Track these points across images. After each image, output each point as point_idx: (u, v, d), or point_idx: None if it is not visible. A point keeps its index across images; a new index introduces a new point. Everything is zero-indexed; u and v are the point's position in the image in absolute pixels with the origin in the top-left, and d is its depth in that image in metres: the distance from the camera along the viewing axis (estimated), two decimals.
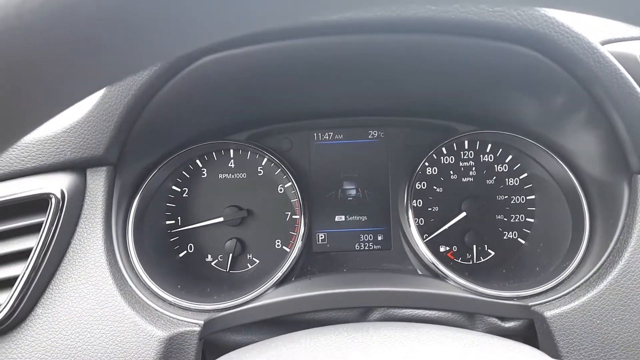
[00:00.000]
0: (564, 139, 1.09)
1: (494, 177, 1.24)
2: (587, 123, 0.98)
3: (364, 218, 1.28)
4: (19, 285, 0.88)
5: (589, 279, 0.95)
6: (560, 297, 0.95)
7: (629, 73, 0.89)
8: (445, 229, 1.22)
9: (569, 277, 1.01)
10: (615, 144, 0.95)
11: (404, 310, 1.03)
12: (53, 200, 0.92)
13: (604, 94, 0.88)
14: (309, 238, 1.23)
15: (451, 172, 1.25)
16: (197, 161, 1.23)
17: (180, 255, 1.22)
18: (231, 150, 1.23)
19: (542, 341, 0.93)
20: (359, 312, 1.05)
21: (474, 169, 1.25)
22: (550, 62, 0.86)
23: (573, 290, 0.95)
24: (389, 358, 0.67)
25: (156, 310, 0.93)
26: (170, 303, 0.98)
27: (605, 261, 0.95)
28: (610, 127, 0.93)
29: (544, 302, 0.96)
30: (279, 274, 1.09)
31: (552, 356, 0.80)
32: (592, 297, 0.90)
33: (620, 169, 0.97)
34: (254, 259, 1.24)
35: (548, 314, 0.91)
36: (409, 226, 1.18)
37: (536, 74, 0.91)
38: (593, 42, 0.85)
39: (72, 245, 0.93)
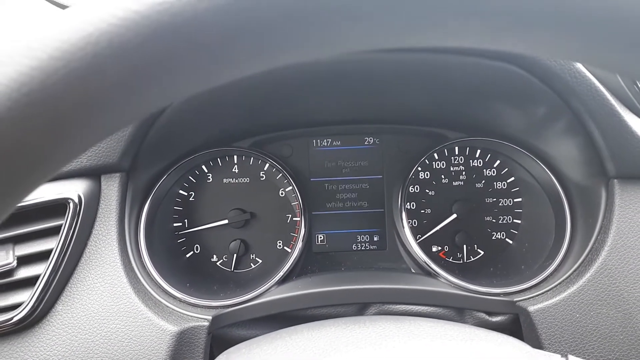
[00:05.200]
0: (546, 146, 1.16)
1: (483, 181, 1.30)
2: (567, 131, 1.05)
3: (360, 220, 1.33)
4: (40, 284, 0.93)
5: (569, 276, 1.01)
6: (543, 293, 1.01)
7: (607, 84, 0.97)
8: (437, 230, 1.28)
9: (551, 274, 1.07)
10: (593, 151, 1.01)
11: (398, 306, 1.08)
12: (71, 204, 0.97)
13: (580, 106, 0.95)
14: (308, 239, 1.28)
15: (442, 176, 1.31)
16: (203, 167, 1.28)
17: (187, 255, 1.27)
18: (235, 157, 1.29)
19: (526, 334, 0.98)
20: (356, 308, 1.10)
21: (464, 173, 1.30)
22: (530, 77, 0.93)
23: (555, 286, 1.01)
24: (383, 347, 0.74)
25: (167, 306, 0.99)
26: (180, 300, 1.04)
27: (584, 260, 1.01)
28: (587, 136, 0.99)
29: (528, 298, 1.01)
30: (281, 273, 1.14)
31: (535, 347, 0.86)
32: (572, 293, 0.96)
33: (598, 174, 1.03)
34: (257, 259, 1.29)
35: (532, 308, 0.97)
36: (403, 227, 1.24)
37: (518, 87, 0.97)
38: None
39: (88, 246, 0.98)
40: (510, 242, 1.30)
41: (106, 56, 0.31)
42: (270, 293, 1.08)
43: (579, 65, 0.92)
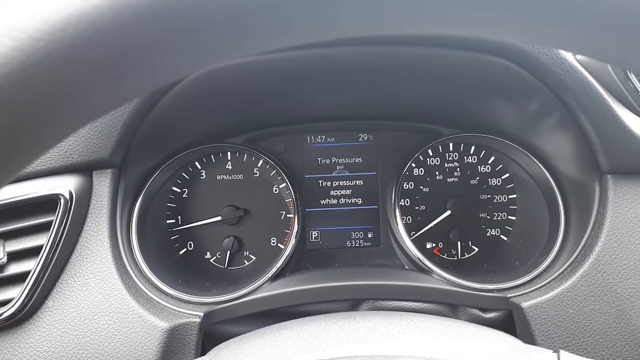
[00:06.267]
0: (540, 141, 1.16)
1: (478, 178, 1.30)
2: (560, 126, 1.04)
3: (354, 217, 1.33)
4: (30, 280, 0.93)
5: (563, 272, 1.01)
6: (536, 289, 1.01)
7: (600, 78, 0.96)
8: (431, 227, 1.27)
9: (545, 270, 1.06)
10: (586, 146, 1.01)
11: (391, 302, 1.08)
12: (62, 200, 0.97)
13: (573, 101, 0.95)
14: (302, 236, 1.28)
15: (437, 172, 1.30)
16: (196, 163, 1.28)
17: (181, 252, 1.27)
18: (228, 153, 1.28)
19: (520, 330, 0.98)
20: (349, 304, 1.10)
21: (458, 169, 1.30)
22: (523, 71, 0.93)
23: (548, 282, 1.01)
24: (372, 342, 0.73)
25: (159, 303, 0.99)
26: (172, 296, 1.03)
27: (578, 255, 1.01)
28: (580, 131, 0.99)
29: (522, 294, 1.01)
30: (274, 270, 1.13)
31: (527, 344, 0.86)
32: (565, 289, 0.96)
33: (592, 169, 1.03)
34: (250, 255, 1.29)
35: (525, 304, 0.97)
36: (397, 224, 1.24)
37: (511, 82, 0.97)
38: (562, 52, 0.92)
39: (79, 242, 0.98)
40: (505, 238, 1.29)
41: (87, 38, 0.30)
42: (263, 289, 1.08)
43: (572, 60, 0.92)
